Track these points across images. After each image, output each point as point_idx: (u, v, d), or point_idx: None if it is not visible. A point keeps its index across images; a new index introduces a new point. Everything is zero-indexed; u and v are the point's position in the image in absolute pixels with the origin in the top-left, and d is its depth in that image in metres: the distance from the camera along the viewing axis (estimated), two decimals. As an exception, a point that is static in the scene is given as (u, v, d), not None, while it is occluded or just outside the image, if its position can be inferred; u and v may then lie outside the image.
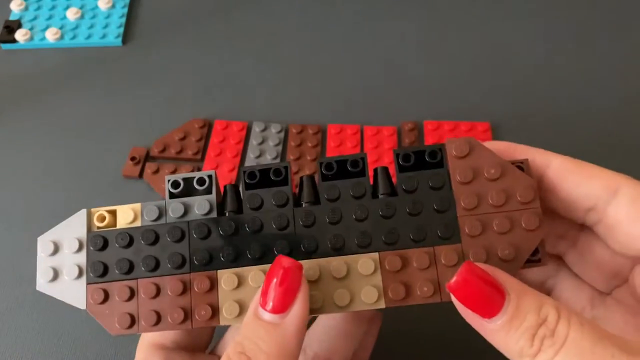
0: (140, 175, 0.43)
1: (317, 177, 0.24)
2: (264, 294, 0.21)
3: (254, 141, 0.44)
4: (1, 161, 0.44)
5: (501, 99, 0.47)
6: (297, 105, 0.47)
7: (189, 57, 0.50)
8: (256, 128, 0.45)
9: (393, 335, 0.34)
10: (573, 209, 0.24)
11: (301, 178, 0.24)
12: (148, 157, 0.44)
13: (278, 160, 0.43)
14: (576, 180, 0.23)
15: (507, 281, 0.20)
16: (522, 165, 0.23)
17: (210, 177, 0.24)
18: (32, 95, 0.48)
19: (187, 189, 0.24)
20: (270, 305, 0.21)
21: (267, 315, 0.21)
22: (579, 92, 0.47)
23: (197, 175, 0.24)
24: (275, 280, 0.21)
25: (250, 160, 0.43)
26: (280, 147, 0.44)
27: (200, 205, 0.24)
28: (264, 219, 0.23)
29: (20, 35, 0.50)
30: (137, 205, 0.24)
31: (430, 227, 0.23)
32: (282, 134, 0.45)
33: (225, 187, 0.25)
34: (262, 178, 0.24)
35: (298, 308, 0.21)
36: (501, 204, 0.23)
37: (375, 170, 0.24)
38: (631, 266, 0.24)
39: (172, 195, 0.24)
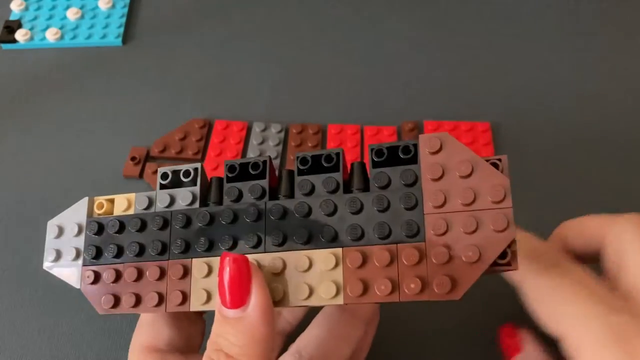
0: (141, 175, 0.43)
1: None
2: (221, 291, 0.22)
3: (254, 141, 0.44)
4: (1, 161, 0.44)
5: (501, 99, 0.47)
6: (297, 105, 0.47)
7: (189, 57, 0.50)
8: (256, 128, 0.45)
9: (388, 334, 0.34)
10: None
11: (280, 171, 0.25)
12: (148, 157, 0.44)
13: (278, 160, 0.43)
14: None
15: None
16: (497, 163, 0.22)
17: (195, 169, 0.26)
18: (32, 95, 0.48)
19: (176, 181, 0.26)
20: (228, 302, 0.22)
21: (229, 312, 0.22)
22: (579, 92, 0.47)
23: (183, 167, 0.26)
24: (224, 276, 0.22)
25: (251, 160, 0.43)
26: (280, 147, 0.44)
27: (183, 197, 0.25)
28: (237, 210, 0.24)
29: (20, 35, 0.50)
30: (132, 195, 0.26)
31: (396, 225, 0.22)
32: (282, 134, 0.45)
33: (211, 179, 0.26)
34: (242, 171, 0.25)
35: (256, 298, 0.22)
36: (469, 203, 0.21)
37: (352, 165, 0.24)
38: None
39: (162, 186, 0.26)
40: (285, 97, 0.48)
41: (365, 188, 0.23)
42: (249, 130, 0.45)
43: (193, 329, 0.29)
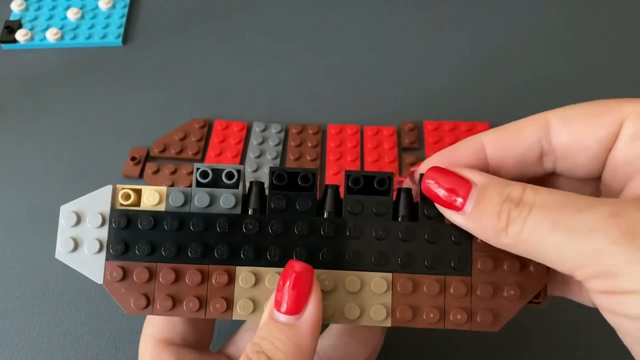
0: (141, 175, 0.43)
1: (341, 189, 0.25)
2: (278, 296, 0.22)
3: (254, 141, 0.44)
4: (1, 161, 0.44)
5: (501, 99, 0.47)
6: (297, 105, 0.47)
7: (189, 57, 0.50)
8: (256, 128, 0.45)
9: (395, 337, 0.34)
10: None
11: (326, 187, 0.25)
12: (148, 157, 0.44)
13: (278, 160, 0.44)
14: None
15: (473, 174, 0.22)
16: None
17: (239, 171, 0.24)
18: (32, 95, 0.48)
19: (214, 180, 0.24)
20: (284, 307, 0.22)
21: (282, 317, 0.22)
22: (579, 92, 0.47)
23: (226, 168, 0.24)
24: (288, 283, 0.22)
25: (251, 160, 0.43)
26: (280, 147, 0.44)
27: (226, 199, 0.24)
28: (287, 222, 0.24)
29: (20, 35, 0.50)
30: (163, 189, 0.24)
31: (445, 257, 0.24)
32: (282, 134, 0.45)
33: (250, 183, 0.25)
34: (290, 181, 0.24)
35: (311, 309, 0.22)
36: None
37: (399, 190, 0.25)
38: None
39: (199, 184, 0.24)
40: (285, 97, 0.48)
41: (412, 216, 0.24)
42: (249, 130, 0.45)
43: (205, 325, 0.29)
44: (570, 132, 0.23)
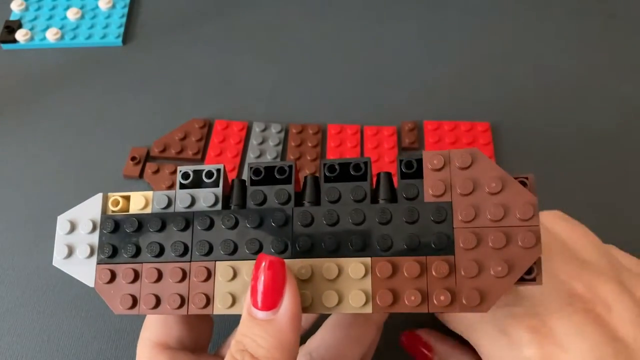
0: (141, 175, 0.43)
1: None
2: (253, 293, 0.22)
3: (254, 141, 0.44)
4: (1, 161, 0.44)
5: (501, 99, 0.47)
6: (297, 105, 0.47)
7: (189, 57, 0.50)
8: (256, 128, 0.45)
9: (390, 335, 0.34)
10: None
11: (305, 177, 0.25)
12: (148, 157, 0.44)
13: (278, 161, 0.43)
14: None
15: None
16: (525, 181, 0.23)
17: (218, 170, 0.25)
18: (32, 95, 0.48)
19: (196, 181, 0.25)
20: (260, 303, 0.22)
21: (260, 314, 0.22)
22: (579, 91, 0.47)
23: (206, 168, 0.25)
24: (260, 278, 0.22)
25: (251, 160, 0.43)
26: (280, 147, 0.44)
27: (206, 198, 0.25)
28: (264, 215, 0.24)
29: (20, 35, 0.50)
30: (149, 193, 0.25)
31: (425, 237, 0.23)
32: (282, 134, 0.45)
33: (232, 181, 0.25)
34: (267, 175, 0.25)
35: (288, 302, 0.22)
36: (499, 219, 0.22)
37: (378, 175, 0.24)
38: None
39: (182, 186, 0.25)
40: (285, 97, 0.48)
41: (392, 199, 0.24)
42: (249, 130, 0.45)
43: (202, 327, 0.29)
44: None
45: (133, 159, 0.43)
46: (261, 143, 0.44)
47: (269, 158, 0.43)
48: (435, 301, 0.22)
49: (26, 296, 0.38)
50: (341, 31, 0.52)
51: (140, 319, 0.29)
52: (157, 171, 0.43)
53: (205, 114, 0.46)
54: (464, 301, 0.22)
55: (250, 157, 0.44)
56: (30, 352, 0.36)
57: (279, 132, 0.45)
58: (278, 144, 0.44)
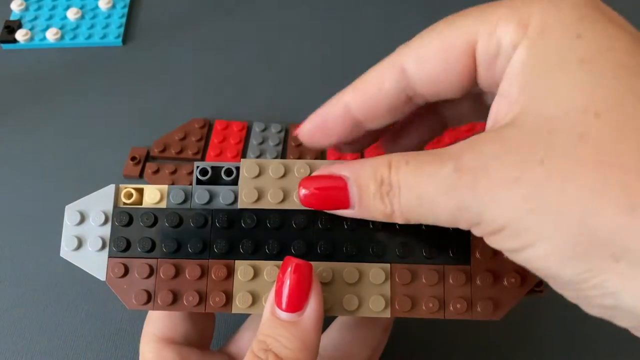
0: (141, 175, 0.43)
1: None
2: (278, 294, 0.22)
3: (254, 141, 0.44)
4: (1, 161, 0.44)
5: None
6: (297, 105, 0.47)
7: (189, 57, 0.50)
8: (256, 128, 0.45)
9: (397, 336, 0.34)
10: None
11: None
12: (148, 157, 0.44)
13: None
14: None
15: (342, 169, 0.22)
16: None
17: (237, 168, 0.25)
18: (32, 95, 0.48)
19: (213, 178, 0.25)
20: (285, 305, 0.22)
21: (284, 315, 0.22)
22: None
23: (225, 165, 0.25)
24: (287, 281, 0.22)
25: (251, 160, 0.43)
26: (280, 147, 0.44)
27: (225, 195, 0.25)
28: (285, 216, 0.24)
29: (20, 35, 0.50)
30: (164, 187, 0.25)
31: (443, 246, 0.23)
32: (282, 134, 0.45)
33: None
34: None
35: (313, 305, 0.22)
36: None
37: None
38: None
39: (199, 182, 0.25)
40: (285, 97, 0.48)
41: None
42: (249, 130, 0.45)
43: (206, 324, 0.29)
44: (429, 75, 0.23)
45: (133, 159, 0.43)
46: (261, 143, 0.44)
47: (269, 158, 0.44)
48: (452, 309, 0.23)
49: (26, 296, 0.38)
50: (341, 31, 0.52)
51: (141, 318, 0.29)
52: (157, 171, 0.43)
53: (205, 114, 0.46)
54: (478, 309, 0.23)
55: (251, 157, 0.44)
56: (30, 352, 0.36)
57: (279, 132, 0.45)
58: (278, 144, 0.44)
